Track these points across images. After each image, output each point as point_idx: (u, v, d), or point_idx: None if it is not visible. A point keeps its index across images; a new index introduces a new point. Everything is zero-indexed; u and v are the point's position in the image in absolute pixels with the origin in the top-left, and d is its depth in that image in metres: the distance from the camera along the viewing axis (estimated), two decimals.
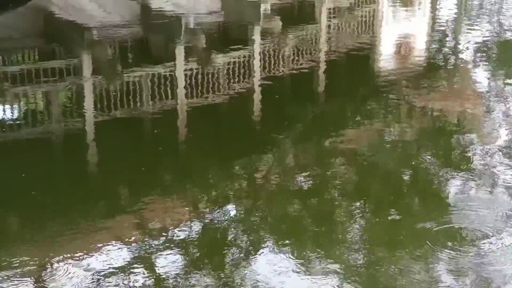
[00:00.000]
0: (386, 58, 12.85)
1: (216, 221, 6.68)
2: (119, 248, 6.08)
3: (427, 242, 6.09)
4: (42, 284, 5.62)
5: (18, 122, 9.34)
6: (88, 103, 9.70)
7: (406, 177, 7.79)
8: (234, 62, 11.21)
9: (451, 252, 5.96)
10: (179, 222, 6.60)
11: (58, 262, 5.84)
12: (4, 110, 9.68)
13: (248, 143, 8.71)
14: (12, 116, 9.54)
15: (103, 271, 5.73)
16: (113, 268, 5.78)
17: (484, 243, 6.08)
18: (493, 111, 9.60)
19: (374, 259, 5.96)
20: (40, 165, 7.88)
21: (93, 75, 10.52)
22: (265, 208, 6.99)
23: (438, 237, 6.21)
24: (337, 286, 5.56)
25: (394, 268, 5.81)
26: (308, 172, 7.77)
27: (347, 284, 5.58)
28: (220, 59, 11.35)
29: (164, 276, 5.72)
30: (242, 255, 6.05)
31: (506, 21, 15.33)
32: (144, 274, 5.73)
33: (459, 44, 13.49)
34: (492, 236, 6.18)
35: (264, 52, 11.80)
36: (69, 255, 5.93)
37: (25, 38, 12.42)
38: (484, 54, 12.47)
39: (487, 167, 7.75)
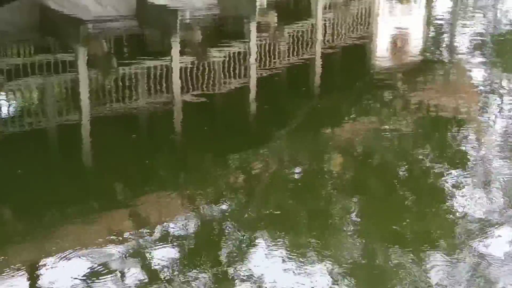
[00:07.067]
0: (381, 52, 12.87)
1: (213, 213, 6.70)
2: (115, 243, 6.08)
3: None
4: (38, 279, 5.63)
5: (13, 116, 9.32)
6: (84, 97, 9.69)
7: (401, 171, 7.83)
8: (230, 56, 11.21)
9: None
10: (174, 215, 6.61)
11: (53, 257, 5.85)
12: None
13: (243, 136, 8.72)
14: (7, 110, 9.53)
15: (99, 266, 5.74)
16: (109, 262, 5.80)
17: None
18: (488, 105, 9.64)
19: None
20: (35, 159, 7.88)
21: (89, 69, 10.50)
22: (261, 200, 7.01)
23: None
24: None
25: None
26: (306, 166, 7.81)
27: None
28: (216, 53, 11.35)
29: (159, 270, 5.74)
30: (238, 249, 6.06)
31: (502, 15, 15.36)
32: (140, 268, 5.75)
33: (455, 38, 13.51)
34: None
35: (260, 46, 11.80)
36: (64, 250, 5.94)
37: (21, 32, 12.40)
38: (479, 49, 12.49)
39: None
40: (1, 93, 9.94)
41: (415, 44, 13.27)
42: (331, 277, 5.61)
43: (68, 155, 8.19)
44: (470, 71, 11.52)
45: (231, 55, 11.26)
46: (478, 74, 11.24)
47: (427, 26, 14.74)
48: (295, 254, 5.91)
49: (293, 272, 5.67)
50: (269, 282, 5.55)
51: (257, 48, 11.76)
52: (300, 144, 8.51)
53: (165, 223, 6.45)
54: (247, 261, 5.87)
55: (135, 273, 5.65)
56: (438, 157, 7.99)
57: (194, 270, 5.70)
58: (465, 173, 7.47)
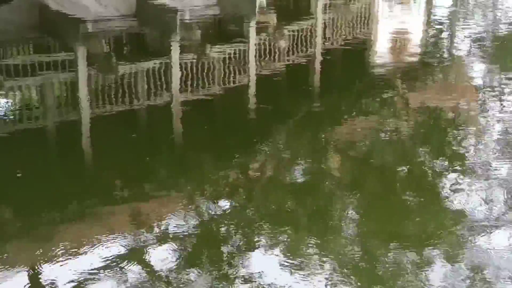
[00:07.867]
0: (381, 52, 12.86)
1: (212, 213, 6.70)
2: (114, 241, 6.08)
3: None
4: (36, 277, 5.64)
5: (13, 115, 9.33)
6: (83, 96, 9.70)
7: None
8: (229, 56, 11.21)
9: None
10: (173, 215, 6.61)
11: (52, 255, 5.85)
12: None
13: (243, 136, 8.72)
14: (7, 109, 9.53)
15: (98, 264, 5.74)
16: (108, 261, 5.80)
17: None
18: (487, 105, 9.64)
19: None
20: (34, 158, 7.88)
21: (88, 69, 10.50)
22: (261, 201, 7.01)
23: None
24: None
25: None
26: (306, 164, 7.82)
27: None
28: (215, 53, 11.35)
29: (158, 269, 5.74)
30: (237, 248, 6.06)
31: (501, 15, 15.36)
32: (139, 267, 5.75)
33: (455, 38, 13.51)
34: None
35: (260, 46, 11.80)
36: (64, 248, 5.94)
37: (20, 31, 12.40)
38: (479, 48, 12.49)
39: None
40: (1, 92, 9.95)
41: (415, 44, 13.27)
42: (331, 276, 5.62)
43: (68, 154, 8.19)
44: (470, 71, 11.51)
45: (231, 54, 11.26)
46: (478, 74, 11.24)
47: (427, 25, 14.73)
48: (294, 254, 5.91)
49: (293, 271, 5.67)
50: (269, 281, 5.55)
51: (257, 47, 11.75)
52: (300, 143, 8.52)
53: (164, 222, 6.45)
54: (247, 261, 5.87)
55: (134, 273, 5.65)
56: (437, 156, 8.00)
57: (194, 270, 5.71)
58: (464, 172, 7.48)
